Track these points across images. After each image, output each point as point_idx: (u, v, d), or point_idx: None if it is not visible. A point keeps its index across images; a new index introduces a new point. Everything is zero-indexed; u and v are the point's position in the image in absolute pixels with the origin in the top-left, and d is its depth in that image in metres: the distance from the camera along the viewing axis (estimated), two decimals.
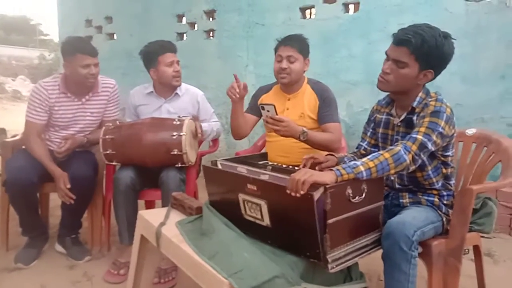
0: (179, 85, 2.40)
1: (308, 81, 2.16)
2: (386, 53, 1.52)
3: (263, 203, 1.31)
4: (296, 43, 2.05)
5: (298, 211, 1.23)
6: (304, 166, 1.61)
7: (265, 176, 1.44)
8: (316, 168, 1.57)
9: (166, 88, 2.40)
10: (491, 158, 1.76)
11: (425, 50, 1.41)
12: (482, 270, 1.79)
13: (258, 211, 1.34)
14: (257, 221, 1.37)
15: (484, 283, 1.79)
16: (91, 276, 2.11)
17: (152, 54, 2.32)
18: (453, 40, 1.46)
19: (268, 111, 1.78)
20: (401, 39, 1.44)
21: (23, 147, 2.33)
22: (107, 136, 2.12)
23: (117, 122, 2.23)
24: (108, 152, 2.12)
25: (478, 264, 1.79)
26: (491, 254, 2.38)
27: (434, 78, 1.52)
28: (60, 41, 6.47)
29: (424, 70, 1.47)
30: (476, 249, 1.74)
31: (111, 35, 5.40)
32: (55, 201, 2.44)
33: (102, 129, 2.16)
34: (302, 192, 1.17)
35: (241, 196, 1.39)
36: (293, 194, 1.19)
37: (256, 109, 2.17)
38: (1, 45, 25.01)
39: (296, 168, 1.51)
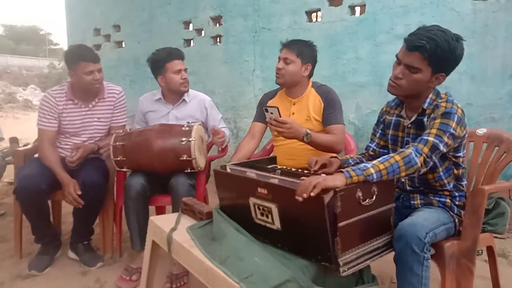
0: (187, 91, 2.42)
1: (312, 85, 2.17)
2: (397, 57, 1.50)
3: (273, 207, 1.31)
4: (296, 47, 2.06)
5: (309, 215, 1.22)
6: (311, 168, 1.61)
7: (275, 180, 1.44)
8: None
9: (174, 95, 2.42)
10: (503, 157, 1.74)
11: (439, 55, 1.39)
12: (497, 271, 1.77)
13: (269, 214, 1.34)
14: (268, 225, 1.37)
15: (499, 284, 1.77)
16: (104, 282, 2.12)
17: (159, 62, 2.34)
18: (463, 41, 1.44)
19: (272, 113, 1.79)
20: (415, 45, 1.40)
21: (35, 155, 2.36)
22: (117, 143, 2.14)
23: (128, 129, 2.26)
24: (118, 158, 2.14)
25: (492, 265, 1.77)
26: (505, 255, 2.35)
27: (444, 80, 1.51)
28: None
29: (436, 73, 1.45)
30: (490, 250, 1.73)
31: (119, 43, 5.45)
32: (67, 208, 2.46)
33: (113, 136, 2.19)
34: (312, 194, 1.16)
35: (252, 200, 1.39)
36: (301, 198, 1.17)
37: (263, 116, 2.17)
38: (12, 55, 25.49)
39: (306, 171, 1.51)
